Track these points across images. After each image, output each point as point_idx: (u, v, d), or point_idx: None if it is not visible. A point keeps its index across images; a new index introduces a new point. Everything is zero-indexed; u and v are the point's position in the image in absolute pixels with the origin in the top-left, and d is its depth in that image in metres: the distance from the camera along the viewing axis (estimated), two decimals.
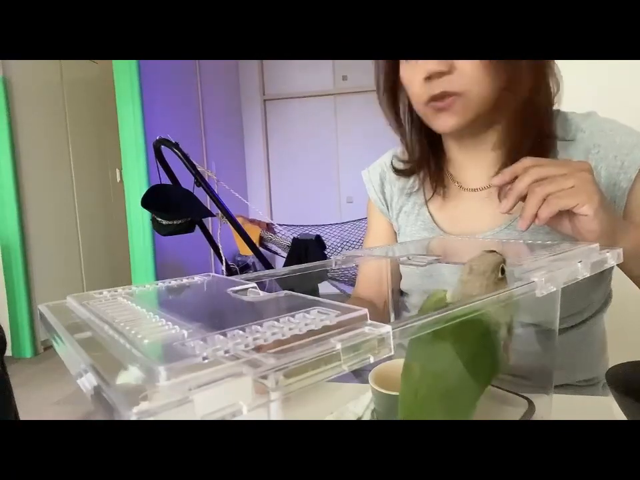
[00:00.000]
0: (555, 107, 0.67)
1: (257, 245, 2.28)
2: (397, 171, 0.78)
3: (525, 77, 0.61)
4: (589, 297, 0.68)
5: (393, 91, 0.71)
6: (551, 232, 0.64)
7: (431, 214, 0.75)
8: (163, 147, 1.96)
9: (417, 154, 0.75)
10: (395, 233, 0.82)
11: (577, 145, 0.65)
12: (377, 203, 0.83)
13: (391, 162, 0.80)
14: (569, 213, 0.51)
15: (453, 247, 0.63)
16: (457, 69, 0.58)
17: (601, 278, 0.69)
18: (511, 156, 0.65)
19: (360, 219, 2.87)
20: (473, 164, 0.72)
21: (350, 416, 0.52)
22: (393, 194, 0.81)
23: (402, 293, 0.80)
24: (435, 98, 0.61)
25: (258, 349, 0.23)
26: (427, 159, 0.74)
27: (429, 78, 0.60)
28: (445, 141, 0.76)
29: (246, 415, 0.20)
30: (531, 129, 0.64)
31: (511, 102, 0.63)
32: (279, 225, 2.68)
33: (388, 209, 0.82)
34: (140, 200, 1.95)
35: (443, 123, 0.63)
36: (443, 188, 0.74)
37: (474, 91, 0.60)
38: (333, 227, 2.86)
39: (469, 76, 0.59)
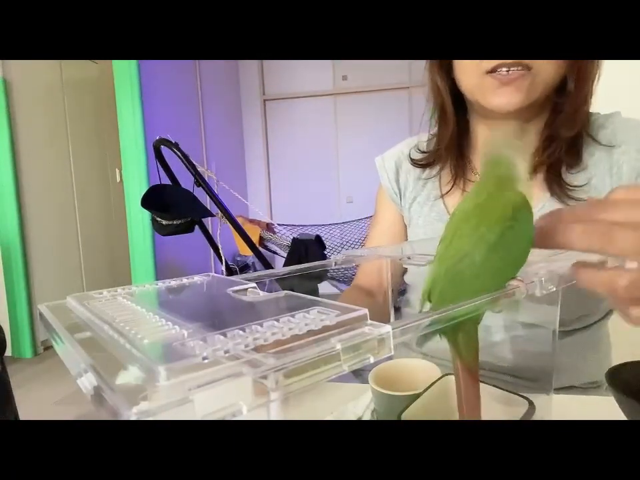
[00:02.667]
0: None
1: (257, 245, 2.28)
2: (415, 162, 0.75)
3: (590, 66, 0.59)
4: (599, 299, 0.68)
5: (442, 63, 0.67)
6: None
7: (445, 205, 0.73)
8: (162, 147, 1.96)
9: (447, 139, 0.71)
10: (405, 225, 0.80)
11: (599, 143, 0.64)
12: (389, 192, 0.80)
13: (409, 152, 0.78)
14: None
15: None
16: None
17: None
18: (544, 151, 0.64)
19: (360, 219, 2.87)
20: None
21: (350, 416, 0.52)
22: (408, 183, 0.78)
23: (401, 293, 0.80)
24: (502, 66, 0.57)
25: (258, 349, 0.23)
26: (453, 145, 0.71)
27: None
28: (474, 128, 0.72)
29: (246, 414, 0.20)
30: (574, 125, 0.61)
31: (570, 92, 0.60)
32: (279, 224, 2.68)
33: (400, 198, 0.79)
34: (140, 200, 1.95)
35: (504, 98, 0.58)
36: (464, 178, 0.72)
37: (543, 69, 0.57)
38: (333, 226, 2.86)
39: None
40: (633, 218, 0.30)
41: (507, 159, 0.36)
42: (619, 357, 0.75)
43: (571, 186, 0.62)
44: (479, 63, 0.59)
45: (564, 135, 0.62)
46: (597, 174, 0.63)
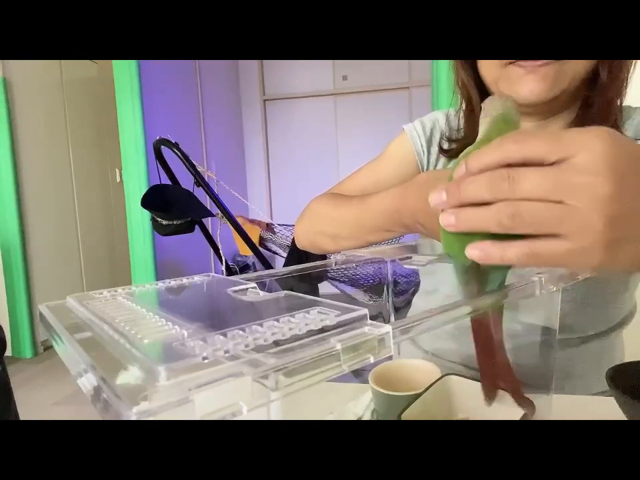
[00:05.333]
0: None
1: (257, 245, 2.27)
2: (444, 151, 0.72)
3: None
4: (620, 301, 0.68)
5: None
6: None
7: None
8: (163, 147, 1.96)
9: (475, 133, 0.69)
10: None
11: (625, 133, 0.61)
12: (414, 140, 0.74)
13: (439, 139, 0.73)
14: None
15: None
16: None
17: (628, 284, 0.68)
18: None
19: None
20: None
21: (350, 416, 0.52)
22: (439, 157, 0.73)
23: (401, 293, 0.80)
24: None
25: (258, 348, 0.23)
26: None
27: None
28: None
29: (246, 414, 0.20)
30: (607, 119, 0.58)
31: (603, 84, 0.57)
32: (279, 224, 2.67)
33: (427, 163, 0.74)
34: (140, 200, 1.95)
35: (529, 87, 0.54)
36: None
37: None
38: None
39: None
40: (539, 190, 0.28)
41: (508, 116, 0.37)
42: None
43: None
44: None
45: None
46: None
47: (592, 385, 0.68)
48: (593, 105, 0.59)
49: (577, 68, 0.55)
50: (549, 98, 0.56)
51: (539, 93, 0.55)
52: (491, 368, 0.40)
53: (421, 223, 0.46)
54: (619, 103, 0.60)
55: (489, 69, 0.61)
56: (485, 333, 0.38)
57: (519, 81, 0.56)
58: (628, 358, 0.51)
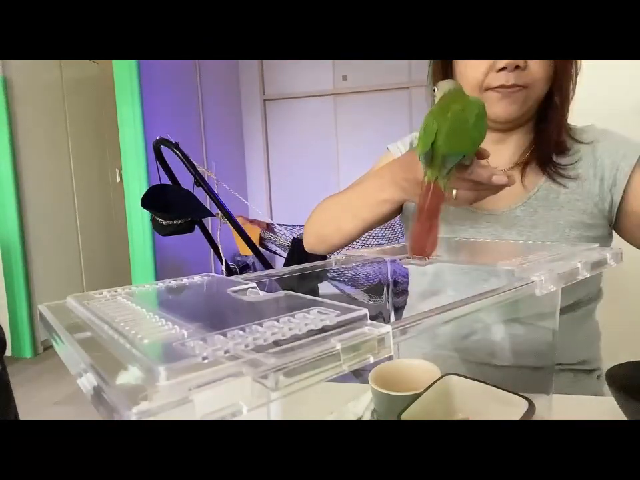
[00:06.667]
0: None
1: (257, 245, 2.27)
2: None
3: (568, 77, 0.70)
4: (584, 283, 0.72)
5: (445, 68, 0.76)
6: (561, 211, 0.70)
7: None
8: (162, 147, 1.96)
9: None
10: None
11: (582, 142, 0.73)
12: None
13: None
14: None
15: (453, 248, 0.63)
16: (528, 66, 0.66)
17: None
18: (537, 146, 0.74)
19: None
20: (497, 151, 0.75)
21: (350, 416, 0.52)
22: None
23: (401, 293, 0.80)
24: (504, 87, 0.67)
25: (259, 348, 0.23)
26: None
27: (504, 69, 0.66)
28: None
29: (246, 414, 0.20)
30: (561, 129, 0.72)
31: (554, 101, 0.70)
32: (279, 224, 2.67)
33: None
34: (140, 200, 1.95)
35: (504, 109, 0.69)
36: None
37: (535, 86, 0.68)
38: None
39: (534, 72, 0.67)
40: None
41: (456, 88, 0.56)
42: (618, 356, 0.75)
43: (561, 165, 0.72)
44: (487, 81, 0.68)
45: (553, 137, 0.72)
46: (582, 165, 0.72)
47: (568, 355, 0.73)
48: (547, 118, 0.73)
49: (537, 92, 0.69)
50: (518, 116, 0.71)
51: (511, 113, 0.70)
52: (425, 225, 0.53)
53: (408, 178, 0.63)
54: (566, 116, 0.75)
55: (470, 92, 0.69)
56: (425, 197, 0.53)
57: (496, 103, 0.69)
58: (628, 358, 0.51)
